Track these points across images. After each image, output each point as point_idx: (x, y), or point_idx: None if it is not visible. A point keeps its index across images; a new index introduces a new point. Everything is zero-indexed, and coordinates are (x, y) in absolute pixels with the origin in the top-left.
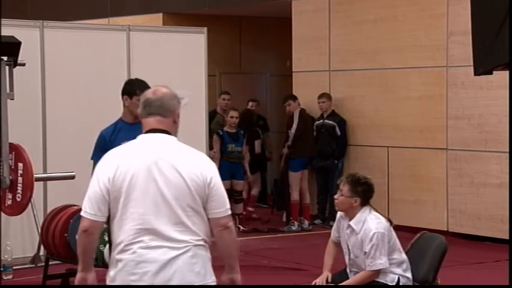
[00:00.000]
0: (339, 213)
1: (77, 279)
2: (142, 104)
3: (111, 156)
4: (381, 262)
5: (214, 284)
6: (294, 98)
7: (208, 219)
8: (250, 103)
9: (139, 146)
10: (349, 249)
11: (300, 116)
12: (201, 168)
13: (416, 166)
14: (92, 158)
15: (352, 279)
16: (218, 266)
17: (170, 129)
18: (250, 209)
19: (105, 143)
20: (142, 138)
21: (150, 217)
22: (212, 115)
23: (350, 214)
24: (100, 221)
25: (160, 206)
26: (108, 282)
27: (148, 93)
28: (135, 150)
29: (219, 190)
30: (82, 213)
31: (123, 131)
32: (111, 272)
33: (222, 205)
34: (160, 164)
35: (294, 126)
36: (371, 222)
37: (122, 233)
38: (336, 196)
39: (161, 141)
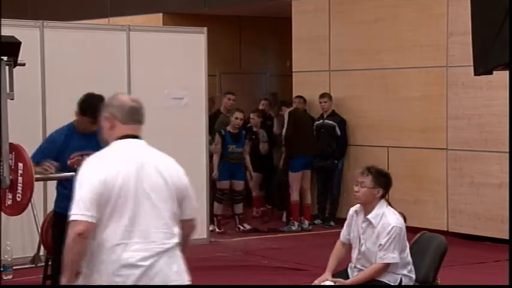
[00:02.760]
0: (352, 209)
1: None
2: (129, 110)
3: (99, 160)
4: (393, 256)
5: (190, 283)
6: (287, 104)
7: (180, 220)
8: (262, 101)
9: (125, 151)
10: (360, 243)
11: (290, 117)
12: (179, 172)
13: (417, 166)
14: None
15: (361, 274)
16: (221, 266)
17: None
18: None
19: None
20: (125, 143)
21: (137, 219)
22: (216, 115)
23: (369, 207)
24: (95, 223)
25: (147, 209)
26: (91, 283)
27: (128, 101)
28: (122, 155)
29: (192, 193)
30: (76, 217)
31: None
32: (95, 274)
33: (193, 207)
34: (147, 168)
35: (284, 128)
36: (389, 217)
37: (108, 234)
38: (356, 189)
39: (143, 147)
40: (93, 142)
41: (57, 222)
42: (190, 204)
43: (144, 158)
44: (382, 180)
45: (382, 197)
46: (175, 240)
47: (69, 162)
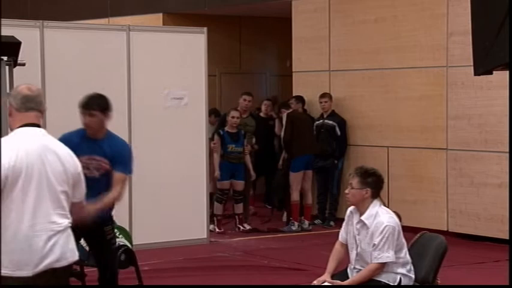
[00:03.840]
0: (348, 210)
1: None
2: (22, 99)
3: (7, 144)
4: (388, 255)
5: (78, 258)
6: (286, 106)
7: (73, 202)
8: (265, 102)
9: (29, 137)
10: (356, 244)
11: (288, 119)
12: (74, 159)
13: (416, 166)
14: None
15: (358, 275)
16: (221, 266)
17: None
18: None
19: None
20: (24, 130)
21: (40, 201)
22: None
23: (361, 208)
24: None
25: (49, 192)
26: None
27: (24, 90)
28: (26, 141)
29: (83, 179)
30: None
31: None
32: (3, 255)
33: (83, 192)
34: (48, 154)
35: (282, 130)
36: (383, 216)
37: (16, 216)
38: (346, 191)
39: (43, 134)
40: (101, 148)
41: None
42: (81, 188)
43: (46, 145)
44: (369, 180)
45: (373, 196)
46: (69, 220)
47: None
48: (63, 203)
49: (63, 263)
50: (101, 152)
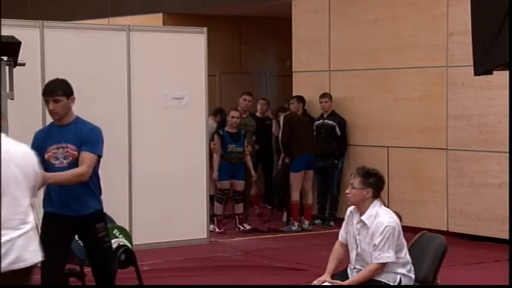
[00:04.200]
0: (348, 210)
1: None
2: None
3: None
4: (388, 255)
5: (42, 258)
6: (284, 109)
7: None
8: (260, 101)
9: None
10: (356, 244)
11: (285, 121)
12: (34, 161)
13: (416, 166)
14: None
15: (358, 275)
16: (221, 266)
17: None
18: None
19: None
20: None
21: (2, 206)
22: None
23: (362, 208)
24: None
25: (8, 199)
26: None
27: None
28: None
29: (41, 177)
30: None
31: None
32: None
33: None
34: (9, 162)
35: (280, 132)
36: (383, 217)
37: None
38: (347, 191)
39: (4, 140)
40: (70, 133)
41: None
42: (38, 187)
43: (5, 150)
44: (371, 181)
45: (374, 197)
46: (31, 224)
47: (46, 156)
48: (24, 208)
49: (21, 265)
50: (70, 137)
